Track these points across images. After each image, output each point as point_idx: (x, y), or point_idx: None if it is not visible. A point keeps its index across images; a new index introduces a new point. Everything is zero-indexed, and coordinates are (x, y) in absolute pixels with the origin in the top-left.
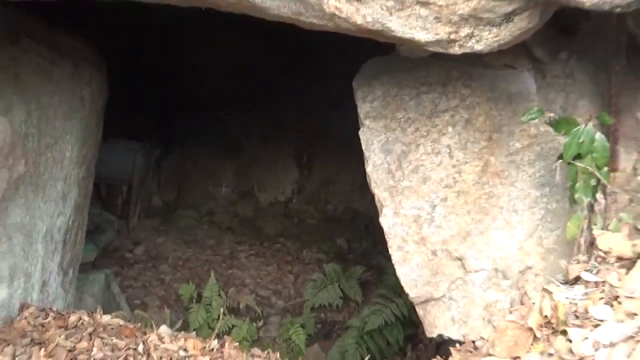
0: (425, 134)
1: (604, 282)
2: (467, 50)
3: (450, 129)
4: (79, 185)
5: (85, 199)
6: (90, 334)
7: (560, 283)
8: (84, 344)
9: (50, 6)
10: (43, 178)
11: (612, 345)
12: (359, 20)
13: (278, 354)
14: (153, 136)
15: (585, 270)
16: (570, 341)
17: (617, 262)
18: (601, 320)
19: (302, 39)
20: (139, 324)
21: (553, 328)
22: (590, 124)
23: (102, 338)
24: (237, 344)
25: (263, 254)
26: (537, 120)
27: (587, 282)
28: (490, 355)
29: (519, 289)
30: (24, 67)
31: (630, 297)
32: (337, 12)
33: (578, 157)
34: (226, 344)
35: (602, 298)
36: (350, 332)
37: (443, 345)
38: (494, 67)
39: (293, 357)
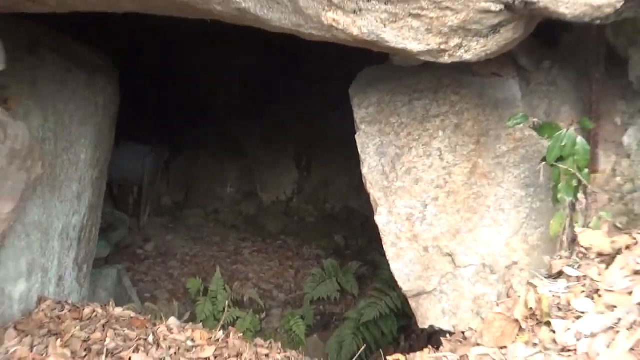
0: (417, 137)
1: (585, 276)
2: (457, 60)
3: (440, 133)
4: (93, 186)
5: (99, 198)
6: (103, 326)
7: (544, 277)
8: (97, 335)
9: (65, 17)
10: (59, 179)
11: (593, 335)
12: (355, 31)
13: (280, 344)
14: (162, 140)
15: (568, 266)
16: (554, 332)
17: (597, 257)
18: (583, 312)
19: (301, 45)
20: (149, 316)
21: (537, 319)
22: (572, 129)
23: (114, 329)
24: (241, 334)
25: (265, 250)
26: (522, 125)
27: (569, 276)
28: (478, 345)
29: (506, 283)
30: (41, 76)
31: (610, 291)
32: (334, 24)
33: (560, 159)
34: (231, 335)
35: (584, 291)
36: (347, 323)
37: (434, 335)
38: (481, 75)
39: (294, 347)
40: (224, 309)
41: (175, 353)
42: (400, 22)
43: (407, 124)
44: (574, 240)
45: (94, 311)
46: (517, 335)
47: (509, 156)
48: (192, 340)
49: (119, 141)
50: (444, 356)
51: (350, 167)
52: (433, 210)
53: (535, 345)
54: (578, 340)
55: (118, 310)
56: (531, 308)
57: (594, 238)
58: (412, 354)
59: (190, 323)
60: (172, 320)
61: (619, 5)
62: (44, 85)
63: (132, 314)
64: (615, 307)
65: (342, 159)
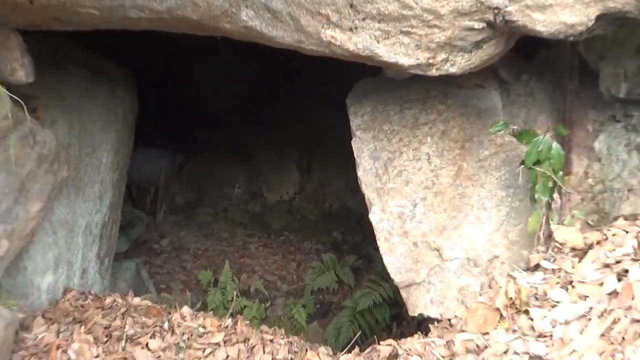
0: (407, 143)
1: (560, 269)
2: (443, 73)
3: (429, 139)
4: (114, 187)
5: (119, 198)
6: (123, 314)
7: (523, 270)
8: (117, 322)
9: (87, 33)
10: (83, 181)
11: (567, 323)
12: (351, 47)
13: (283, 330)
14: (176, 145)
15: (544, 259)
16: (532, 319)
17: (571, 252)
18: (558, 302)
19: (301, 57)
20: (165, 305)
21: (517, 308)
22: (548, 135)
23: (133, 317)
24: (248, 322)
25: (270, 245)
26: (502, 132)
27: (546, 269)
28: (463, 331)
29: (488, 275)
30: (67, 87)
31: (582, 282)
32: (332, 40)
33: (537, 162)
34: (239, 322)
35: (559, 283)
36: (344, 311)
37: (423, 322)
38: (466, 86)
39: (296, 333)
40: (232, 298)
41: (188, 339)
42: (392, 39)
43: (398, 130)
44: (549, 236)
45: (114, 301)
46: (498, 322)
47: (490, 160)
48: (204, 327)
49: (138, 146)
50: (432, 341)
51: (347, 169)
52: (422, 209)
53: (514, 331)
54: (553, 327)
55: (136, 300)
56: (511, 298)
57: (568, 234)
58: (403, 339)
59: (202, 311)
60: (186, 309)
61: (590, 24)
62: (69, 96)
63: (149, 303)
64: (587, 296)
65: (340, 162)
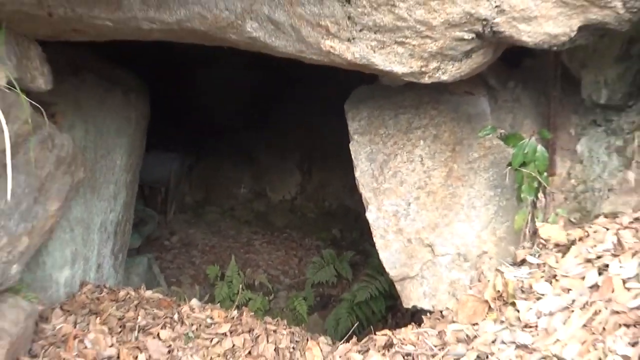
0: (402, 146)
1: (544, 263)
2: (435, 80)
3: (421, 142)
4: (127, 187)
5: (132, 198)
6: (136, 306)
7: (510, 265)
8: (131, 314)
9: (104, 44)
10: (98, 182)
11: (551, 314)
12: (349, 56)
13: (285, 321)
14: (186, 149)
15: (530, 255)
16: (518, 311)
17: (555, 248)
18: (542, 294)
19: (302, 66)
20: (175, 298)
21: (504, 300)
22: (533, 139)
23: (145, 309)
24: (253, 313)
25: (273, 241)
26: (490, 135)
27: (531, 263)
28: (454, 322)
29: (477, 269)
30: (83, 94)
31: (565, 276)
32: (331, 50)
33: (523, 164)
34: (244, 313)
35: (543, 276)
36: (343, 303)
37: (417, 314)
38: (456, 93)
39: (297, 324)
40: (238, 291)
41: (196, 329)
42: (387, 49)
43: (393, 134)
44: (535, 233)
45: (127, 294)
46: (487, 313)
47: (479, 162)
48: (211, 318)
49: (149, 150)
50: (425, 331)
51: (345, 171)
52: (415, 207)
53: (502, 322)
54: (538, 318)
55: (148, 293)
56: (499, 291)
57: (552, 231)
58: (397, 330)
59: (210, 304)
60: (194, 301)
61: (572, 35)
62: (85, 103)
63: (160, 296)
64: (570, 289)
65: (338, 164)
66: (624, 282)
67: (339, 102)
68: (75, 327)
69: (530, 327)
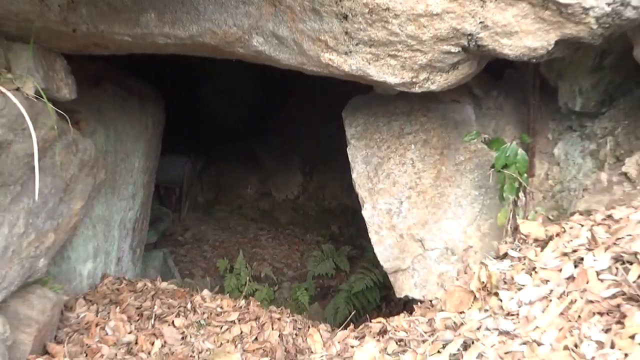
0: (394, 150)
1: (525, 257)
2: (425, 90)
3: (412, 146)
4: (144, 187)
5: (149, 197)
6: (152, 296)
7: (493, 258)
8: (147, 303)
9: (123, 57)
10: (118, 183)
11: (531, 303)
12: (346, 68)
13: (289, 310)
14: (198, 153)
15: (511, 249)
16: (501, 300)
17: (534, 242)
18: (523, 285)
19: (304, 82)
20: (188, 289)
21: (488, 291)
22: (514, 143)
23: (161, 299)
24: (259, 303)
25: (278, 237)
26: (475, 140)
27: (513, 257)
28: (442, 310)
29: (463, 262)
30: (104, 103)
31: (544, 268)
32: (330, 62)
33: (505, 166)
34: (251, 303)
35: (524, 269)
36: (341, 293)
37: (408, 303)
38: (444, 101)
39: (299, 312)
40: (245, 283)
41: (207, 317)
42: (381, 61)
43: (386, 139)
44: (516, 229)
45: (145, 285)
46: (472, 303)
47: (465, 164)
48: (221, 307)
49: (164, 153)
50: (416, 319)
51: (343, 173)
52: (407, 206)
53: (486, 310)
54: (519, 307)
55: (164, 284)
56: (483, 282)
57: (531, 227)
58: (391, 317)
59: (220, 294)
60: (206, 292)
61: (550, 48)
62: (106, 111)
63: (175, 287)
64: (548, 281)
65: (337, 167)
66: (598, 273)
67: (337, 110)
68: (97, 316)
69: (512, 315)
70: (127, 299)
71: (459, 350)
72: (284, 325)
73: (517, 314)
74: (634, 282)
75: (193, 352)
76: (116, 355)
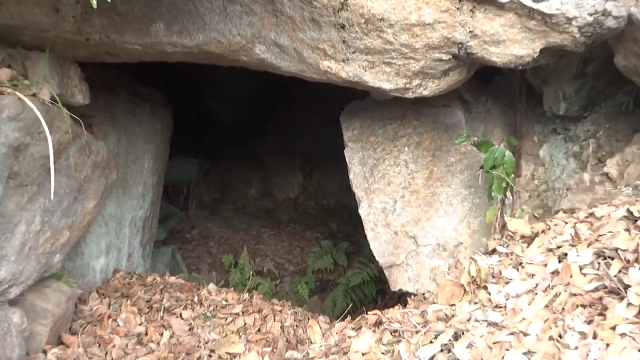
0: (389, 152)
1: (512, 252)
2: (417, 95)
3: (406, 148)
4: (154, 187)
5: (158, 197)
6: (161, 290)
7: (482, 254)
8: (157, 296)
9: (133, 65)
10: (129, 183)
11: (517, 296)
12: (344, 75)
13: (290, 303)
14: (204, 155)
15: (499, 245)
16: (489, 293)
17: (521, 239)
18: (510, 279)
19: (304, 88)
20: (195, 283)
21: (477, 284)
22: (502, 145)
23: (169, 292)
24: (262, 296)
25: (279, 234)
26: (465, 142)
27: (501, 252)
28: (434, 303)
29: (454, 258)
30: (117, 109)
31: (530, 263)
32: (328, 69)
33: (494, 167)
34: (254, 296)
35: (511, 264)
36: (339, 287)
37: (402, 296)
38: (436, 106)
39: (300, 305)
40: (249, 277)
41: (213, 309)
42: (376, 68)
43: (381, 142)
44: (504, 226)
45: (154, 279)
46: (463, 296)
47: (456, 165)
48: (226, 300)
49: (173, 155)
50: (409, 311)
51: (341, 173)
52: (401, 204)
53: (476, 303)
54: (507, 299)
55: (172, 279)
56: (473, 276)
57: (518, 225)
58: (386, 310)
59: (225, 288)
60: (211, 286)
61: (535, 56)
62: (118, 116)
63: (182, 281)
64: (534, 275)
65: (335, 168)
66: (581, 268)
67: (336, 114)
68: (109, 308)
69: (500, 307)
70: (138, 292)
71: (450, 340)
72: (285, 317)
73: (505, 306)
74: (615, 276)
75: (200, 342)
76: (127, 345)
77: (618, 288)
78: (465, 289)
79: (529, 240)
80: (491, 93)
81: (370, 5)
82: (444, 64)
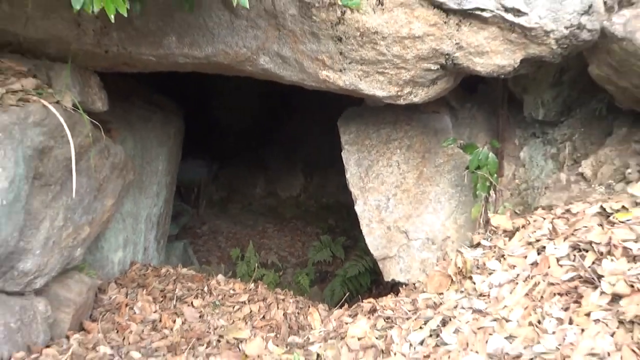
0: (382, 154)
1: (495, 246)
2: (408, 102)
3: (398, 151)
4: (167, 187)
5: (171, 195)
6: (174, 280)
7: (468, 247)
8: (170, 287)
9: (148, 75)
10: (144, 183)
11: (500, 285)
12: (341, 83)
13: (292, 292)
14: (213, 158)
15: (483, 239)
16: (474, 283)
17: (503, 233)
18: (493, 270)
19: (305, 96)
20: (205, 274)
21: (463, 275)
22: (486, 148)
23: (181, 282)
24: (266, 286)
25: (283, 229)
26: (452, 145)
27: (484, 246)
28: (424, 292)
29: (442, 251)
30: (133, 115)
31: (511, 255)
32: (327, 79)
33: (478, 168)
34: (259, 286)
35: (494, 256)
36: (337, 278)
37: (395, 286)
38: (425, 112)
39: (301, 294)
40: (254, 268)
41: (222, 298)
42: (371, 77)
43: (375, 145)
44: (487, 222)
45: (168, 271)
46: (450, 285)
47: (444, 166)
48: (233, 289)
49: (185, 158)
50: (401, 299)
51: (338, 174)
52: (393, 202)
53: (462, 292)
54: (490, 288)
55: (184, 270)
56: (459, 267)
57: (500, 220)
58: (380, 298)
59: (232, 278)
60: (220, 277)
61: (516, 65)
62: (134, 121)
63: (193, 273)
64: (515, 266)
65: (333, 169)
66: (558, 260)
67: (334, 121)
68: (126, 297)
69: (484, 295)
70: (153, 282)
71: (438, 326)
72: (288, 305)
73: (489, 295)
74: (589, 267)
75: (209, 328)
76: (143, 331)
77: (592, 278)
78: (452, 279)
79: (510, 234)
80: (476, 100)
81: (365, 19)
82: (433, 74)
